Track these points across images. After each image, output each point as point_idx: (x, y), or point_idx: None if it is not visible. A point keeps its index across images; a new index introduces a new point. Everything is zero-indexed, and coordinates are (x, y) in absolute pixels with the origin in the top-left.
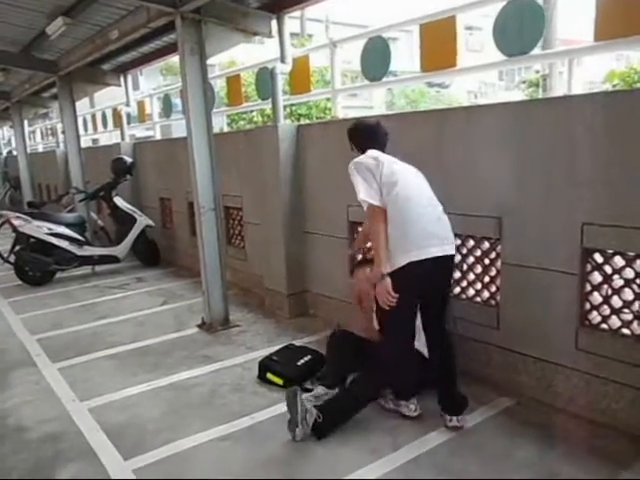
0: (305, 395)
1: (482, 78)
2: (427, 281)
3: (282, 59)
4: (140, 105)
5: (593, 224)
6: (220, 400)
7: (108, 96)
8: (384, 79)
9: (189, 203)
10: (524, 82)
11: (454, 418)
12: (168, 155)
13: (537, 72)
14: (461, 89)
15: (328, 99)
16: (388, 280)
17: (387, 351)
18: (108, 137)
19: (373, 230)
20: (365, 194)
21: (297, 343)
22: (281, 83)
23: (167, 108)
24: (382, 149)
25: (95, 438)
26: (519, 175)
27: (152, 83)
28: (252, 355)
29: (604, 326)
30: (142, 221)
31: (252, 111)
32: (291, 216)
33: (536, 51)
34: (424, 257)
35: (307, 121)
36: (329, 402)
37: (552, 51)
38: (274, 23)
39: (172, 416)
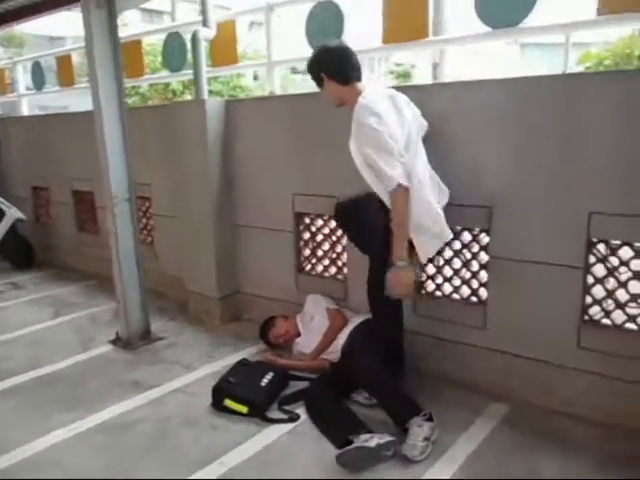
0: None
1: None
2: None
3: (204, 22)
4: None
5: (602, 213)
6: (173, 440)
7: None
8: None
9: (74, 192)
10: (391, 73)
11: None
12: (43, 135)
13: (398, 65)
14: None
15: (239, 75)
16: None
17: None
18: None
19: (405, 215)
20: (397, 174)
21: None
22: (204, 51)
23: (38, 79)
24: (360, 76)
25: None
26: (517, 161)
27: None
28: (193, 376)
29: (607, 322)
30: (12, 214)
31: (153, 84)
32: (220, 208)
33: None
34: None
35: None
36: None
37: (547, 24)
38: None
39: (117, 469)
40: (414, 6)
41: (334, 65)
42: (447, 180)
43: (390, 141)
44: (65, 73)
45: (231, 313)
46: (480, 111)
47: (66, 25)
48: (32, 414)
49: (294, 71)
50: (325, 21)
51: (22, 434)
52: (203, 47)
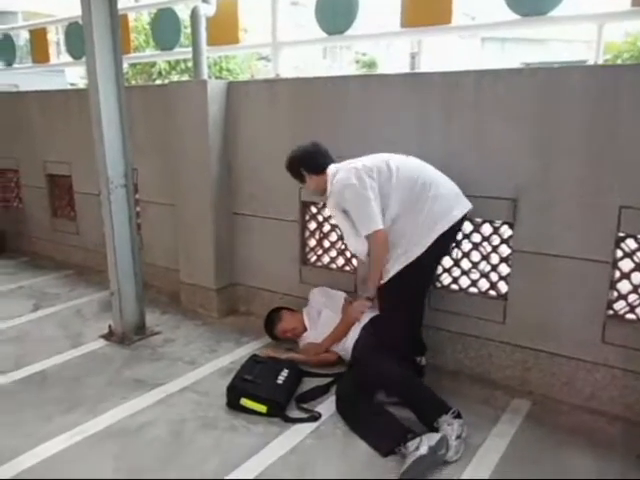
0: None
1: (306, 54)
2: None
3: None
4: None
5: (632, 208)
6: (191, 445)
7: None
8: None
9: (48, 176)
10: (357, 62)
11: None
12: (11, 114)
13: (363, 54)
14: (287, 64)
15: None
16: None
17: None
18: None
19: (382, 256)
20: (371, 225)
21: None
22: (204, 28)
23: (9, 52)
24: (331, 161)
25: None
26: (545, 153)
27: None
28: (199, 373)
29: (632, 317)
30: None
31: (134, 64)
32: (220, 195)
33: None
34: (452, 223)
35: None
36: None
37: (579, 14)
38: None
39: None
40: None
41: (312, 160)
42: (472, 171)
43: (367, 193)
44: (40, 49)
45: (228, 306)
46: (507, 100)
47: None
48: (30, 416)
49: (259, 57)
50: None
51: (21, 440)
52: (203, 24)
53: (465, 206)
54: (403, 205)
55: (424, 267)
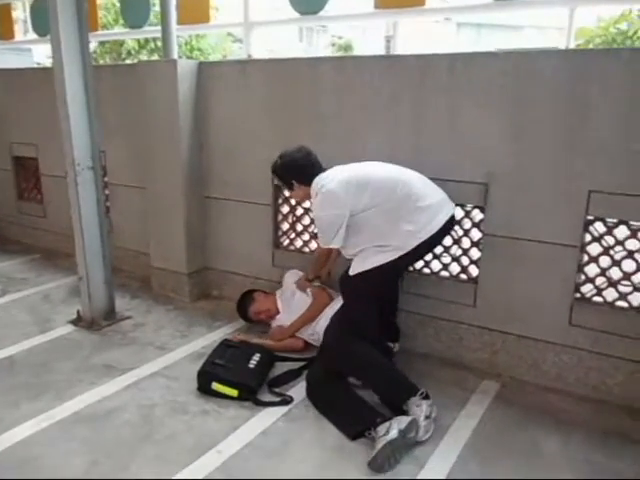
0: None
1: (282, 37)
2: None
3: None
4: None
5: (601, 192)
6: (161, 430)
7: None
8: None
9: (14, 158)
10: (333, 45)
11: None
12: None
13: (339, 38)
14: (262, 47)
15: (198, 36)
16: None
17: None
18: None
19: (323, 254)
20: (329, 243)
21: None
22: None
23: None
24: (320, 170)
25: None
26: (516, 137)
27: None
28: (170, 357)
29: (599, 299)
30: None
31: (102, 42)
32: (190, 178)
33: None
34: (437, 228)
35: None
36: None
37: None
38: None
39: (105, 466)
40: None
41: (303, 171)
42: (444, 155)
43: (338, 217)
44: (4, 25)
45: (200, 290)
46: (481, 84)
47: None
48: None
49: (233, 39)
50: None
51: None
52: (173, 2)
53: (450, 209)
54: (387, 212)
55: (403, 266)
